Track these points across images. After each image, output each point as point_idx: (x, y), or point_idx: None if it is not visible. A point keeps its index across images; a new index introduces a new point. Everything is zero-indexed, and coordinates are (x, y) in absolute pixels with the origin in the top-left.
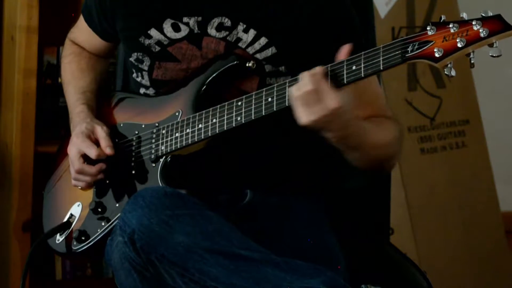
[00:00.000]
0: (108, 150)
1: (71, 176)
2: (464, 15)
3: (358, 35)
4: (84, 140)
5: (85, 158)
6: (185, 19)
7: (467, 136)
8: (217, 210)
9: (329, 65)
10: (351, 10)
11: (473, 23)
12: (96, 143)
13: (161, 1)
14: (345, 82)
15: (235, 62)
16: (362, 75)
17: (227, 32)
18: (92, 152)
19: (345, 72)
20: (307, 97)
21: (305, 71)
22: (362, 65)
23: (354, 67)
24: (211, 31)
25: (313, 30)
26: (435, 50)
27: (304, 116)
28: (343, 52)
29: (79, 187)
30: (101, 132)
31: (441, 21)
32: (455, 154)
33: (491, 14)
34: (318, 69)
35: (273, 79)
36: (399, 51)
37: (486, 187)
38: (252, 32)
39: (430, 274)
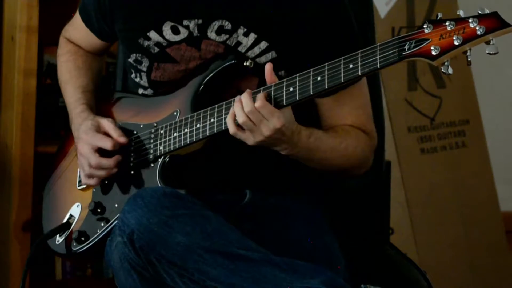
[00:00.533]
0: (122, 139)
1: (84, 173)
2: (461, 13)
3: (357, 43)
4: (94, 135)
5: (100, 153)
6: (185, 22)
7: (467, 136)
8: (216, 210)
9: (272, 84)
10: (351, 18)
11: (470, 20)
12: (107, 136)
13: (162, 3)
14: (341, 81)
15: (233, 61)
16: (359, 73)
17: (227, 36)
18: (108, 144)
19: (342, 71)
20: (250, 121)
21: (244, 94)
22: (359, 64)
23: (351, 66)
24: (211, 34)
25: (313, 36)
26: (431, 48)
27: (250, 138)
28: (268, 72)
29: (91, 184)
30: (108, 124)
31: (438, 19)
32: (455, 154)
33: (488, 12)
34: (260, 95)
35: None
36: (396, 49)
37: (486, 187)
38: (252, 36)
39: (430, 274)
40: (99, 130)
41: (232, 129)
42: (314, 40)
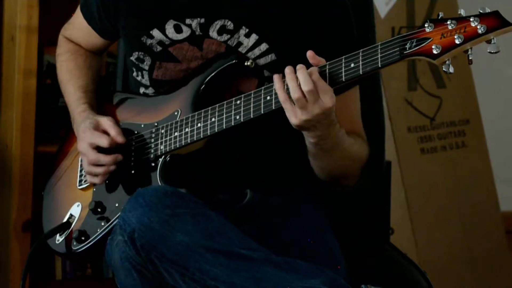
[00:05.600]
0: (119, 138)
1: (85, 170)
2: (462, 12)
3: (357, 47)
4: (92, 133)
5: (98, 150)
6: (187, 21)
7: (467, 136)
8: (217, 209)
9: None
10: (352, 24)
11: (471, 19)
12: (105, 134)
13: (165, 2)
14: (343, 79)
15: (234, 61)
16: (361, 73)
17: (229, 36)
18: (104, 141)
19: (343, 70)
20: (305, 97)
21: (299, 69)
22: (361, 63)
23: (352, 65)
24: (213, 33)
25: (314, 41)
26: (433, 46)
27: (297, 115)
28: (313, 57)
29: (95, 182)
30: (107, 122)
31: (439, 18)
32: (455, 154)
33: (489, 11)
34: (314, 68)
35: (271, 83)
36: (397, 48)
37: (486, 187)
38: (253, 37)
39: (430, 274)
40: (97, 128)
41: (282, 97)
42: (315, 45)
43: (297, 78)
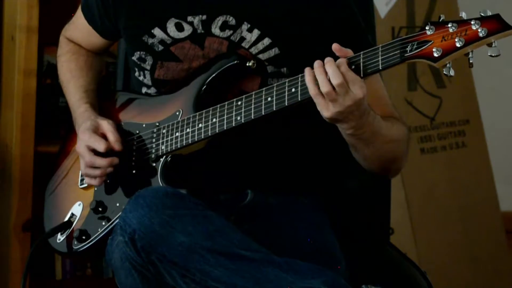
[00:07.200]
0: (117, 146)
1: (82, 172)
2: (463, 15)
3: (363, 37)
4: (91, 136)
5: (95, 152)
6: (189, 18)
7: (467, 136)
8: (217, 210)
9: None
10: (355, 12)
11: (472, 22)
12: (104, 137)
13: (166, 0)
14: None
15: (235, 61)
16: (361, 75)
17: (231, 31)
18: (101, 146)
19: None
20: (335, 90)
21: (327, 62)
22: (361, 65)
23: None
24: (215, 30)
25: (317, 33)
26: (434, 49)
27: (329, 109)
28: (339, 50)
29: (93, 184)
30: (107, 126)
31: (440, 20)
32: (455, 154)
33: (490, 14)
34: (342, 60)
35: (274, 80)
36: (398, 51)
37: (486, 187)
38: (256, 32)
39: (430, 274)
40: (97, 131)
41: (313, 91)
42: (317, 38)
43: (326, 71)
